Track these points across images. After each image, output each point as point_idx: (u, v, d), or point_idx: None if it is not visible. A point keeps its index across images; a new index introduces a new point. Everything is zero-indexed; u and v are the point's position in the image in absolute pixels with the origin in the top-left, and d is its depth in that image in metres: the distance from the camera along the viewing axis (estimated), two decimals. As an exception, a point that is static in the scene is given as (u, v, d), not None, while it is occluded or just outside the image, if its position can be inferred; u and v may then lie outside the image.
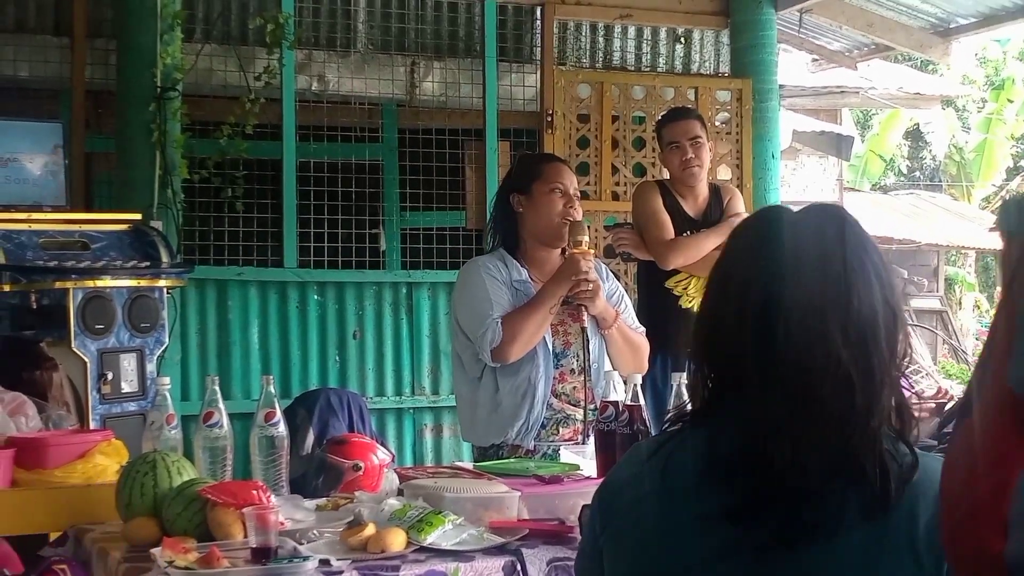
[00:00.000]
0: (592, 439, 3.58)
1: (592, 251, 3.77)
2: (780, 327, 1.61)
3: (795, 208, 1.76)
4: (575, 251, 3.69)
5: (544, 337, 3.71)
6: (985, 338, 1.38)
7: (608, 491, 1.84)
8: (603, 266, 4.01)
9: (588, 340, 3.73)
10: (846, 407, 1.60)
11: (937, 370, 14.75)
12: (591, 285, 3.66)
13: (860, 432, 1.60)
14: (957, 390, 11.32)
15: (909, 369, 1.69)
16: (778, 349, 1.61)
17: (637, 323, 3.97)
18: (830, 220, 1.70)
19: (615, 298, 3.91)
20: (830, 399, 1.60)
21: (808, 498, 1.58)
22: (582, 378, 3.74)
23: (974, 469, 1.35)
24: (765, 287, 1.65)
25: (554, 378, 3.74)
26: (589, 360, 3.73)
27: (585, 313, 3.70)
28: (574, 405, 3.75)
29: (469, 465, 3.37)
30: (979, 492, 1.34)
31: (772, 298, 1.63)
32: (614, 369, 3.83)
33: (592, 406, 3.71)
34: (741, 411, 1.66)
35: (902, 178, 24.54)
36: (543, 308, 3.66)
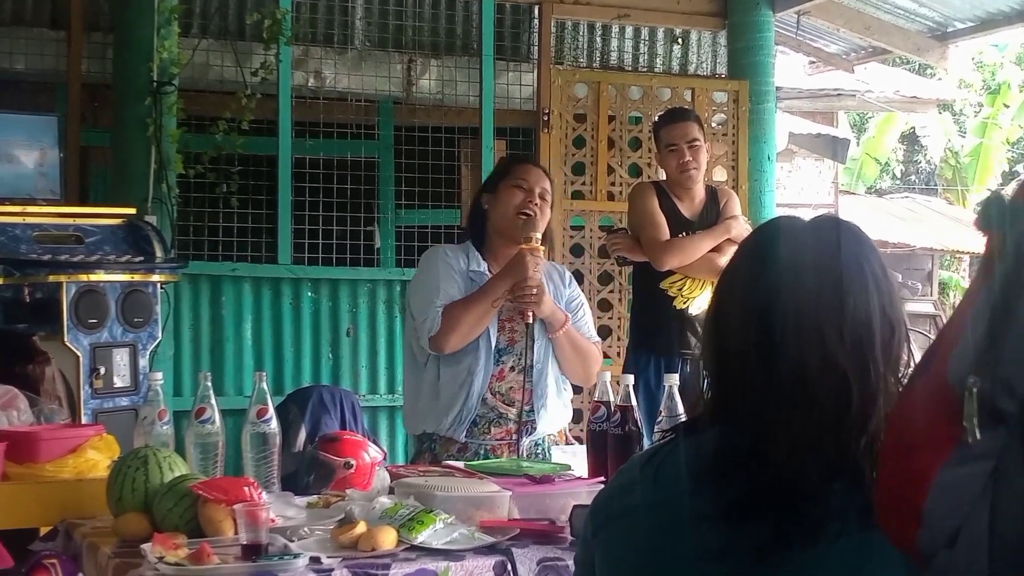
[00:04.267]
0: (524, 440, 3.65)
1: (543, 249, 3.72)
2: (778, 329, 1.62)
3: (805, 218, 1.77)
4: (524, 246, 3.67)
5: (488, 331, 3.68)
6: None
7: (601, 499, 1.85)
8: (567, 272, 4.00)
9: (534, 339, 3.71)
10: (843, 409, 1.61)
11: (930, 374, 14.74)
12: (534, 289, 3.63)
13: (857, 434, 1.61)
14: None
15: (903, 376, 1.69)
16: (776, 350, 1.62)
17: (593, 333, 3.93)
18: (833, 229, 1.71)
19: (574, 304, 3.89)
20: (827, 400, 1.61)
21: (805, 499, 1.59)
22: (522, 377, 3.72)
23: (902, 452, 1.37)
24: (766, 291, 1.66)
25: (493, 375, 3.71)
26: (531, 360, 3.71)
27: (531, 313, 3.68)
28: (508, 404, 3.72)
29: (460, 464, 3.36)
30: (902, 476, 1.36)
31: (772, 301, 1.64)
32: (563, 375, 3.84)
33: (528, 407, 3.70)
34: (739, 413, 1.67)
35: (897, 182, 24.58)
36: (485, 301, 3.63)
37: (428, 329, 3.63)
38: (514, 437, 3.70)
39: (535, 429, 3.74)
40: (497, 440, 3.71)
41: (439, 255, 3.80)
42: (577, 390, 6.87)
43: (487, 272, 3.75)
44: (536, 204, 3.76)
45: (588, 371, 3.87)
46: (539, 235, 3.71)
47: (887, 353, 1.65)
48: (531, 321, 3.68)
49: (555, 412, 3.79)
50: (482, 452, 3.69)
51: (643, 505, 1.71)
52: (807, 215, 1.80)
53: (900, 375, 1.68)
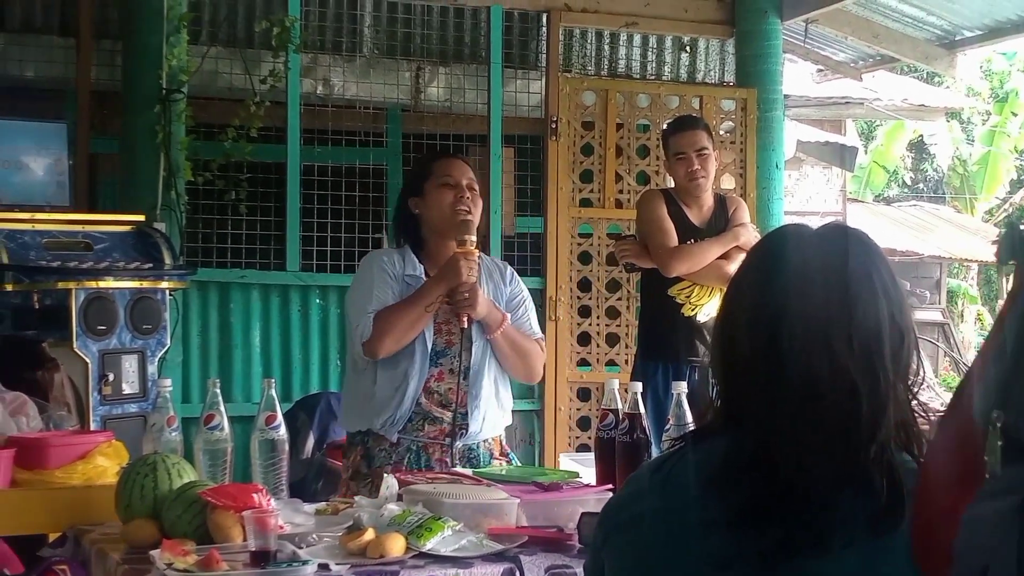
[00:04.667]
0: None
1: (478, 252, 3.71)
2: (786, 337, 1.62)
3: (813, 225, 1.77)
4: (459, 251, 3.66)
5: (424, 334, 3.66)
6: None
7: (610, 507, 1.86)
8: (508, 268, 3.98)
9: (471, 342, 3.70)
10: (852, 417, 1.61)
11: (938, 382, 14.75)
12: (467, 293, 3.62)
13: (867, 442, 1.61)
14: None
15: (913, 384, 1.69)
16: (784, 358, 1.62)
17: (536, 329, 3.90)
18: (841, 237, 1.71)
19: (515, 301, 3.88)
20: (835, 408, 1.61)
21: (814, 507, 1.59)
22: (458, 379, 3.70)
23: (934, 489, 1.36)
24: (774, 298, 1.67)
25: (432, 376, 3.69)
26: (468, 362, 3.69)
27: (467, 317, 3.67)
28: (444, 406, 3.69)
29: (468, 471, 3.36)
30: (934, 513, 1.35)
31: (780, 309, 1.65)
32: (504, 375, 3.82)
33: (463, 410, 3.69)
34: (747, 421, 1.67)
35: (905, 190, 24.54)
36: (417, 307, 3.62)
37: (361, 335, 3.61)
38: (447, 440, 3.68)
39: (467, 431, 3.71)
40: (430, 439, 3.68)
41: (375, 260, 3.79)
42: (585, 396, 6.91)
43: (423, 276, 3.74)
44: (468, 198, 3.75)
45: (529, 368, 3.86)
46: (474, 237, 3.70)
47: (896, 361, 1.65)
48: (466, 326, 3.66)
49: (491, 416, 3.75)
50: (414, 448, 3.67)
51: (652, 513, 1.72)
52: (815, 223, 1.80)
53: (910, 383, 1.68)
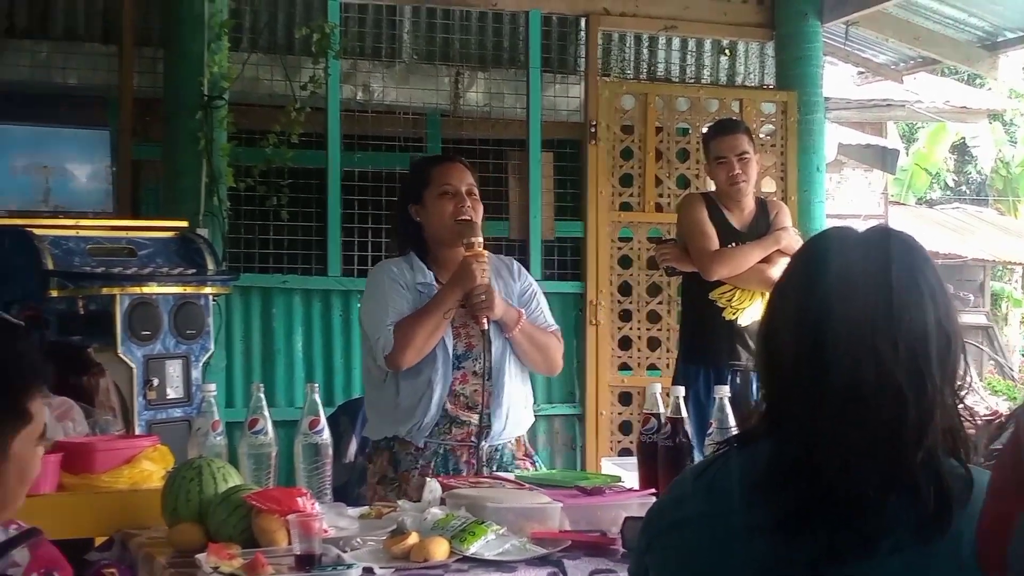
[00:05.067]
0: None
1: (486, 253, 3.71)
2: (831, 341, 1.62)
3: (858, 229, 1.76)
4: (467, 254, 3.66)
5: (444, 340, 3.66)
6: None
7: (654, 511, 1.87)
8: (515, 263, 3.98)
9: (490, 343, 3.69)
10: (898, 422, 1.60)
11: (983, 386, 14.63)
12: (483, 295, 3.62)
13: (914, 448, 1.60)
14: (1003, 406, 11.21)
15: (959, 388, 1.68)
16: (829, 363, 1.61)
17: (550, 320, 3.90)
18: (886, 241, 1.70)
19: (526, 296, 3.88)
20: (881, 412, 1.60)
21: (860, 512, 1.58)
22: (482, 380, 3.70)
23: (994, 497, 1.36)
24: (819, 302, 1.66)
25: (456, 379, 3.69)
26: (490, 363, 3.69)
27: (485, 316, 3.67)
28: (471, 408, 3.69)
29: (511, 476, 3.37)
30: (994, 521, 1.35)
31: (824, 313, 1.64)
32: (525, 370, 3.82)
33: (488, 411, 3.69)
34: (792, 425, 1.66)
35: (948, 192, 24.35)
36: (435, 315, 3.62)
37: (382, 348, 3.61)
38: (474, 440, 3.68)
39: (491, 431, 3.70)
40: (457, 441, 3.68)
41: (385, 271, 3.79)
42: (627, 400, 6.90)
43: (434, 283, 3.74)
44: (468, 205, 3.75)
45: (549, 361, 3.87)
46: (480, 238, 3.70)
47: (943, 366, 1.64)
48: (486, 327, 3.67)
49: (514, 413, 3.75)
50: (441, 452, 3.67)
51: (697, 517, 1.71)
52: (859, 226, 1.79)
53: (956, 387, 1.67)
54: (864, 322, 1.62)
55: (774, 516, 1.61)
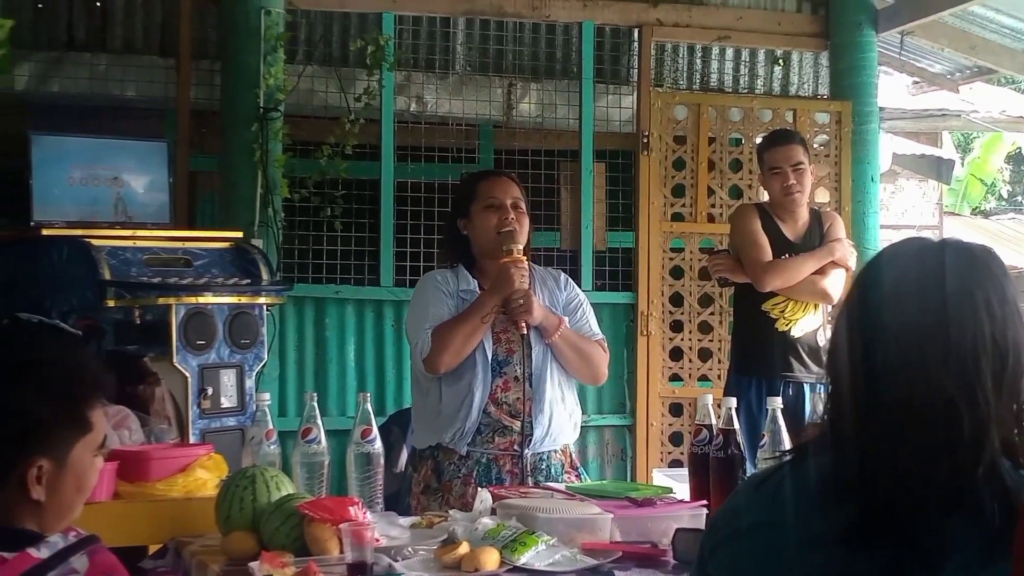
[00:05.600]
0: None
1: (526, 259, 3.74)
2: (880, 353, 1.61)
3: (933, 239, 1.75)
4: (506, 259, 3.69)
5: (483, 345, 3.68)
6: None
7: (716, 521, 1.86)
8: (562, 275, 4.00)
9: (530, 347, 3.71)
10: (953, 437, 1.58)
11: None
12: (522, 299, 3.65)
13: (973, 463, 1.58)
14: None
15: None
16: (880, 375, 1.61)
17: (596, 330, 3.91)
18: (942, 254, 1.69)
19: (572, 305, 3.89)
20: (933, 425, 1.59)
21: (923, 530, 1.56)
22: (523, 387, 3.71)
23: None
24: (872, 316, 1.66)
25: (498, 386, 3.71)
26: (530, 368, 3.71)
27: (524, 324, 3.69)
28: (513, 416, 3.70)
29: (561, 486, 3.37)
30: None
31: (878, 326, 1.64)
32: (569, 378, 3.82)
33: (530, 418, 3.69)
34: (850, 438, 1.65)
35: (1003, 202, 24.07)
36: (473, 319, 3.65)
37: (421, 351, 3.67)
38: (517, 448, 3.69)
39: (533, 437, 3.71)
40: (500, 450, 3.69)
41: (430, 280, 3.86)
42: (678, 411, 6.88)
43: (477, 290, 3.78)
44: (512, 218, 3.78)
45: (593, 369, 3.87)
46: (520, 246, 3.74)
47: (998, 381, 1.62)
48: (525, 332, 3.69)
49: (556, 420, 3.75)
50: (484, 461, 3.68)
51: (758, 527, 1.71)
52: (935, 237, 1.77)
53: (1020, 402, 1.64)
54: (914, 335, 1.61)
55: (835, 529, 1.60)
